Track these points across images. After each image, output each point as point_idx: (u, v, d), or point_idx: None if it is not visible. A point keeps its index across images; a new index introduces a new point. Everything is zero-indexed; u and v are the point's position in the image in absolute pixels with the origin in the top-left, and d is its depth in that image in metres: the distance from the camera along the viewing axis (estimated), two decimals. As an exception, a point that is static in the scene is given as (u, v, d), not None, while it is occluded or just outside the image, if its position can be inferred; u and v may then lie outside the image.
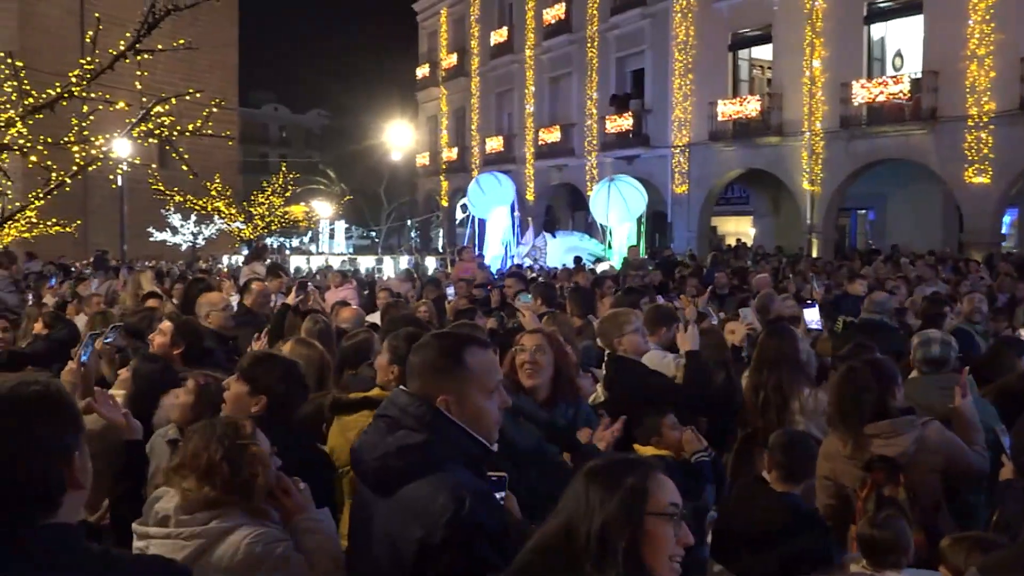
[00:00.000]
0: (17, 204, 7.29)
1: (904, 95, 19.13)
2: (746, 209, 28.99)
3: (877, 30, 21.08)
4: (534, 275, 14.01)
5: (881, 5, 20.40)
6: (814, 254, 20.40)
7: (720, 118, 23.32)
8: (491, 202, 21.59)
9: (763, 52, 23.99)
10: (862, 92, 19.87)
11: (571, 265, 16.53)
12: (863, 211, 26.52)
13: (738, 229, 30.11)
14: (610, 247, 19.92)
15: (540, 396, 3.53)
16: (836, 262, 17.49)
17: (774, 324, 5.24)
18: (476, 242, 21.96)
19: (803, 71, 21.51)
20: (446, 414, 2.14)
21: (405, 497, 2.07)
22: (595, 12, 28.03)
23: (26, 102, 6.43)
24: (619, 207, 19.76)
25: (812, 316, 5.20)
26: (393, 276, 18.43)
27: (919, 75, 19.16)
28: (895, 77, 19.82)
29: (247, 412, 3.00)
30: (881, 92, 19.57)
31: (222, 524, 2.31)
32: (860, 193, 22.97)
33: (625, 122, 26.72)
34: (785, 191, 23.48)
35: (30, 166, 6.86)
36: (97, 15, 7.20)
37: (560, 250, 19.26)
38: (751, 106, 22.68)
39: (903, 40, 20.95)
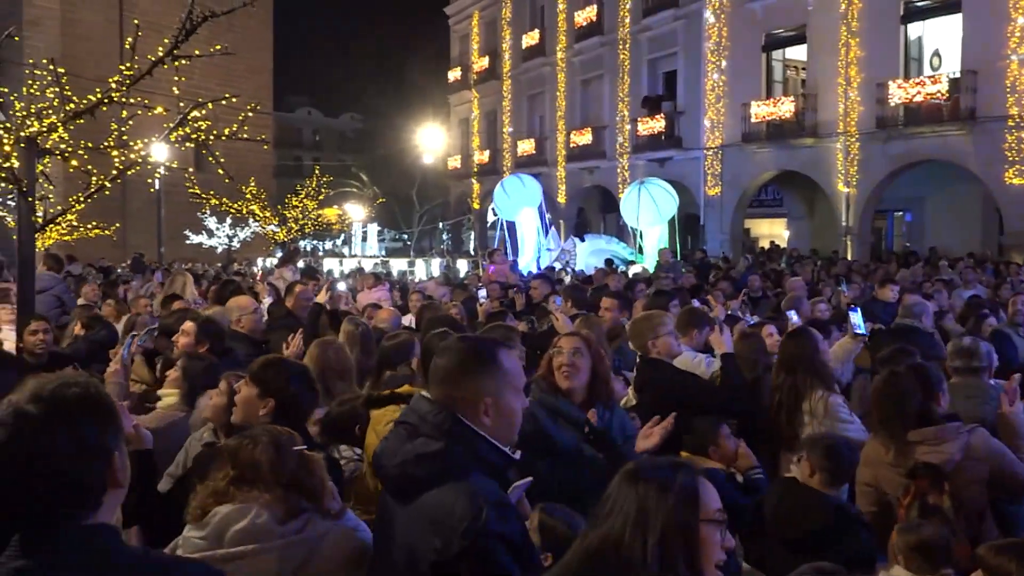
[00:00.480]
0: (59, 208, 7.41)
1: (942, 95, 18.82)
2: (780, 211, 28.68)
3: (914, 29, 20.77)
4: (562, 278, 14.00)
5: (919, 4, 20.11)
6: (849, 257, 20.13)
7: (753, 119, 23.12)
8: (517, 204, 21.63)
9: (797, 52, 23.74)
10: (899, 92, 19.57)
11: (601, 267, 16.47)
12: (900, 213, 26.13)
13: (772, 231, 29.81)
14: (641, 251, 19.81)
15: (577, 398, 3.52)
16: (872, 265, 17.23)
17: (796, 327, 5.21)
18: (507, 245, 21.97)
19: (838, 71, 21.25)
20: (466, 422, 2.12)
21: (423, 505, 2.06)
22: (627, 14, 27.94)
23: (67, 108, 6.54)
24: (650, 210, 19.66)
25: (857, 320, 5.11)
26: (425, 279, 18.52)
27: (957, 75, 18.84)
28: (933, 77, 19.51)
29: (256, 415, 3.06)
30: (918, 92, 19.27)
31: (316, 527, 2.42)
32: (897, 195, 22.64)
33: (657, 124, 26.58)
34: (820, 193, 23.20)
35: (71, 170, 6.97)
36: (136, 22, 7.31)
37: (588, 253, 19.21)
38: (785, 107, 22.45)
39: (941, 39, 20.62)
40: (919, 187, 22.23)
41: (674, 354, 4.77)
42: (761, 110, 22.90)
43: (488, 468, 2.12)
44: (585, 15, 29.56)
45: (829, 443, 3.40)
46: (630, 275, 14.61)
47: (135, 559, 1.58)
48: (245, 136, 8.02)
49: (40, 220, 6.81)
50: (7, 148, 6.24)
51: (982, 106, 18.36)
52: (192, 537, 2.39)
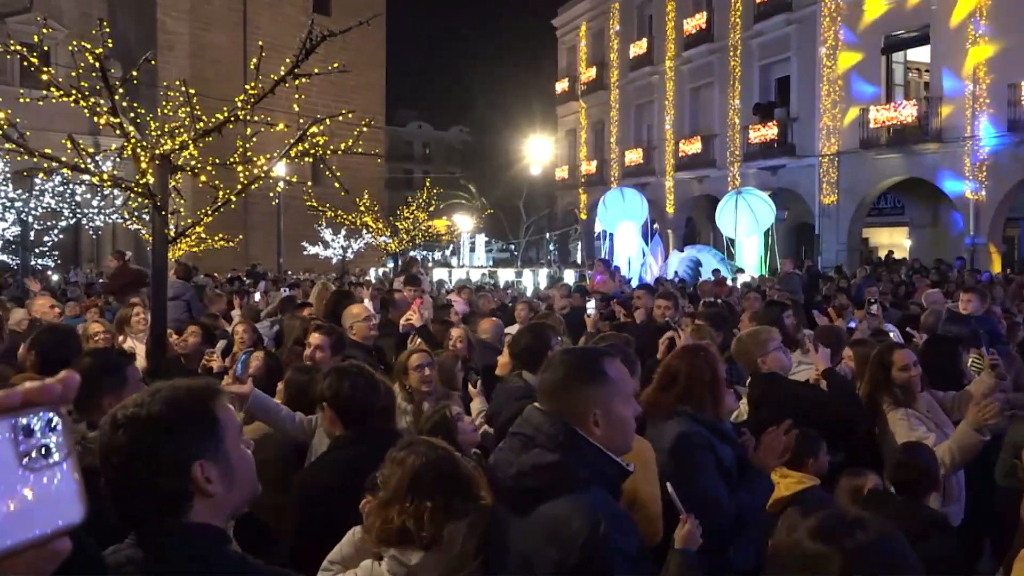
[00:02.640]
0: (188, 221, 7.85)
1: (1082, 95, 17.64)
2: (901, 220, 27.43)
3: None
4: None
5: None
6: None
7: (872, 124, 22.22)
8: (615, 217, 21.62)
9: (920, 54, 22.69)
10: (1032, 93, 18.45)
11: (686, 275, 16.26)
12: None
13: (892, 241, 28.54)
14: (732, 258, 19.42)
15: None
16: (1011, 276, 16.24)
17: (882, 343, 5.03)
18: (607, 256, 21.93)
19: (965, 73, 20.18)
20: (581, 433, 2.12)
21: (540, 517, 2.06)
22: (738, 20, 27.39)
23: (197, 126, 6.91)
24: (748, 219, 19.27)
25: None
26: (531, 289, 18.63)
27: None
28: (1072, 76, 18.30)
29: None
30: (1055, 92, 18.12)
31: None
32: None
33: (769, 131, 25.91)
34: (944, 201, 22.06)
35: (200, 185, 7.36)
36: (260, 43, 7.68)
37: (677, 261, 19.04)
38: (907, 111, 21.48)
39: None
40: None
41: (786, 368, 4.65)
42: (881, 115, 22.00)
43: (603, 479, 2.12)
44: (695, 23, 29.15)
45: (917, 452, 3.51)
46: (739, 284, 14.30)
47: (233, 563, 1.63)
48: (359, 150, 8.29)
49: (172, 233, 7.22)
50: (143, 165, 6.65)
51: None
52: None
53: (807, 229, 25.79)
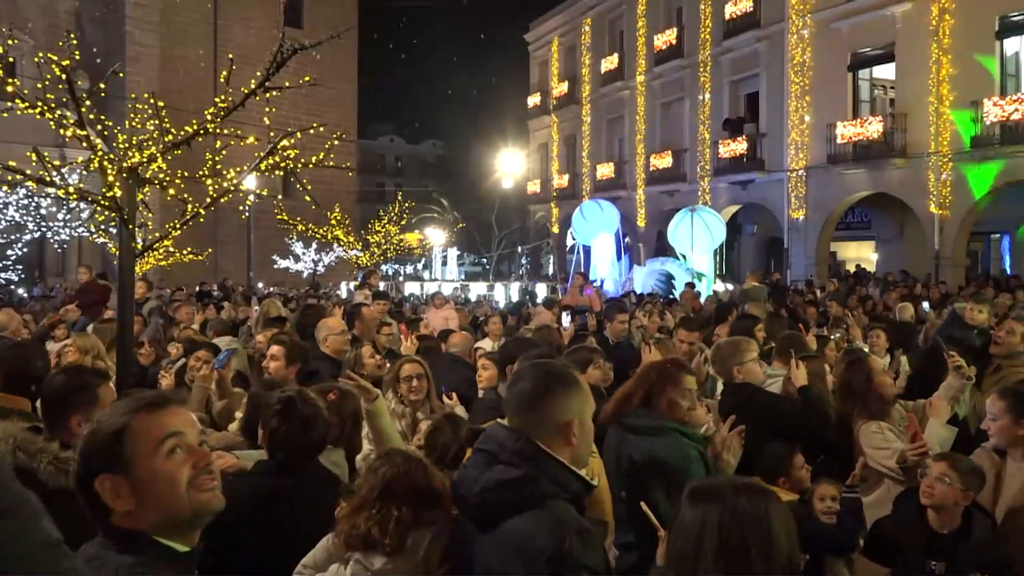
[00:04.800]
0: (156, 234, 7.75)
1: (1042, 112, 18.02)
2: (868, 234, 27.83)
3: (1011, 45, 19.97)
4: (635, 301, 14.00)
5: (1015, 19, 19.31)
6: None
7: (839, 140, 22.56)
8: (593, 229, 21.65)
9: (885, 71, 23.10)
10: (995, 110, 18.82)
11: (658, 288, 16.41)
12: (997, 235, 25.03)
13: (859, 255, 28.93)
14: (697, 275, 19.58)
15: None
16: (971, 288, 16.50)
17: (850, 354, 5.11)
18: (583, 269, 21.99)
19: (929, 90, 20.57)
20: (545, 449, 2.12)
21: (506, 533, 2.05)
22: (707, 36, 27.71)
23: (166, 139, 6.85)
24: (704, 236, 19.45)
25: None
26: (502, 303, 18.63)
27: (1059, 91, 18.03)
28: (1032, 93, 18.72)
29: None
30: (1016, 110, 18.49)
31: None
32: (995, 216, 21.68)
33: (739, 146, 26.20)
34: (911, 215, 22.42)
35: (168, 199, 7.28)
36: (230, 56, 7.63)
37: (645, 275, 19.15)
38: (873, 127, 21.84)
39: (1040, 55, 19.78)
40: (1020, 208, 21.25)
41: (760, 380, 4.67)
42: (848, 131, 22.35)
43: (568, 494, 2.12)
44: (665, 39, 29.45)
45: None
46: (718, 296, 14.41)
47: (116, 564, 1.66)
48: (331, 164, 8.26)
49: (139, 246, 7.13)
50: (111, 178, 6.56)
51: (1086, 123, 17.49)
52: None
53: (777, 243, 26.05)
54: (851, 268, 26.68)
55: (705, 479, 2.42)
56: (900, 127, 21.30)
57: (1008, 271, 22.84)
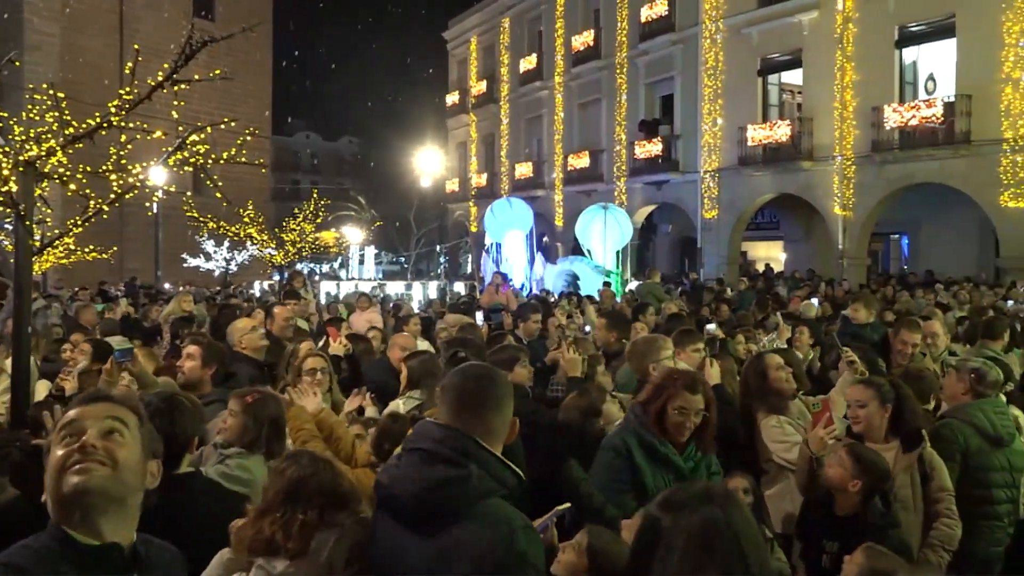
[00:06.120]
0: (56, 231, 7.40)
1: (937, 119, 18.94)
2: (776, 234, 28.77)
3: (909, 54, 20.94)
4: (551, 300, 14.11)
5: (913, 29, 20.27)
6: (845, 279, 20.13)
7: (750, 143, 23.23)
8: (503, 226, 21.73)
9: (793, 77, 23.92)
10: (894, 116, 19.70)
11: (566, 288, 16.64)
12: (896, 236, 26.20)
13: (768, 254, 29.87)
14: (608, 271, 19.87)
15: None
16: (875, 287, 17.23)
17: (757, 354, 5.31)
18: (495, 267, 22.01)
19: (834, 95, 21.39)
20: (484, 445, 2.11)
21: (452, 537, 2.00)
22: (624, 39, 28.15)
23: (67, 132, 6.53)
24: (615, 234, 19.77)
25: None
26: (422, 302, 18.51)
27: (952, 99, 18.98)
28: (928, 101, 19.66)
29: None
30: (914, 116, 19.39)
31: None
32: (894, 218, 22.70)
33: (654, 147, 26.71)
34: (817, 216, 23.28)
35: (69, 194, 6.95)
36: (136, 47, 7.34)
37: (555, 274, 19.33)
38: (781, 131, 22.57)
39: (935, 64, 20.79)
40: (916, 210, 22.31)
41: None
42: (757, 134, 23.03)
43: (506, 489, 2.11)
44: (583, 40, 29.78)
45: None
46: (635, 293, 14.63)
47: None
48: (243, 160, 8.03)
49: (38, 244, 6.79)
50: (6, 172, 6.22)
51: (977, 130, 18.46)
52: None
53: (690, 243, 26.64)
54: (760, 268, 27.51)
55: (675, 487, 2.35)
56: (807, 131, 22.09)
57: (906, 269, 23.93)
